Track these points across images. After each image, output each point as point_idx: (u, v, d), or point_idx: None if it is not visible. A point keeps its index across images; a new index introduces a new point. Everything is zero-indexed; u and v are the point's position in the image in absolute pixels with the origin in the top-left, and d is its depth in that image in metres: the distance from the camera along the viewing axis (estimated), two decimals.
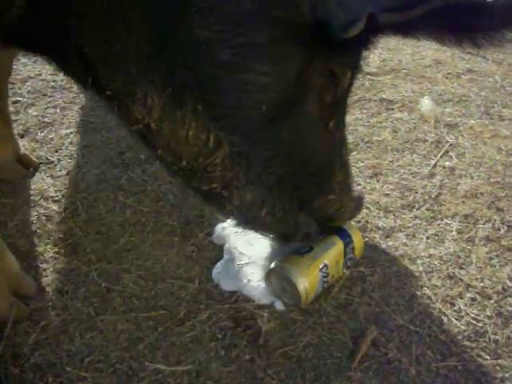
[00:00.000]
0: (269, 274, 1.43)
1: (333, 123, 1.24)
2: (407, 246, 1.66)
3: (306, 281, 1.37)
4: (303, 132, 1.18)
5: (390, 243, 1.66)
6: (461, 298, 1.50)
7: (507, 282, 1.55)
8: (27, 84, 2.38)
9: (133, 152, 1.99)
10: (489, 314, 1.46)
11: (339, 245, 1.46)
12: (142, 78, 1.03)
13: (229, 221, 1.60)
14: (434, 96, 2.47)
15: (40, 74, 2.47)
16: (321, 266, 1.40)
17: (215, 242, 1.63)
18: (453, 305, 1.48)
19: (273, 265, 1.42)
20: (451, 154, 2.08)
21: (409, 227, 1.73)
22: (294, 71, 1.06)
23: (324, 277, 1.41)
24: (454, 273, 1.57)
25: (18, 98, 2.28)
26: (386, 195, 1.86)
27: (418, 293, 1.51)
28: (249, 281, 1.47)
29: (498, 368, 1.33)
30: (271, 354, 1.34)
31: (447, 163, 2.03)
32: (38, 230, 1.65)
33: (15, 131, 1.94)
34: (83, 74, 1.11)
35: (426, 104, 2.37)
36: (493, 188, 1.90)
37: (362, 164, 2.01)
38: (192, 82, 1.03)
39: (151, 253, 1.60)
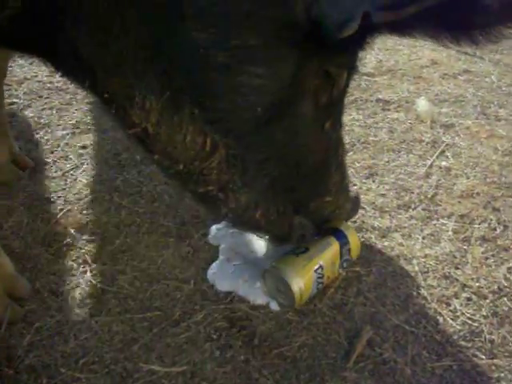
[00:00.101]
0: (264, 275, 1.43)
1: (329, 124, 1.24)
2: (403, 246, 1.66)
3: (301, 281, 1.37)
4: (298, 133, 1.18)
5: (386, 243, 1.66)
6: (456, 298, 1.50)
7: (503, 281, 1.54)
8: (23, 85, 2.38)
9: (128, 153, 1.98)
10: (484, 313, 1.46)
11: (335, 246, 1.45)
12: (139, 81, 1.03)
13: (224, 222, 1.60)
14: (431, 96, 2.48)
15: (36, 76, 2.47)
16: (316, 267, 1.40)
17: (211, 242, 1.63)
18: (448, 305, 1.48)
19: (268, 265, 1.42)
20: (447, 154, 2.08)
21: (405, 227, 1.73)
22: (289, 73, 1.06)
23: (319, 278, 1.41)
24: (449, 273, 1.57)
25: (14, 100, 2.28)
26: (382, 195, 1.86)
27: (414, 293, 1.51)
28: (244, 281, 1.47)
29: (493, 368, 1.33)
30: (266, 355, 1.33)
31: (443, 163, 2.03)
32: (33, 232, 1.65)
33: (11, 132, 1.94)
34: (80, 75, 1.11)
35: (422, 104, 2.37)
36: (489, 188, 1.90)
37: (358, 164, 2.01)
38: (188, 86, 1.03)
39: (146, 254, 1.59)
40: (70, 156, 1.99)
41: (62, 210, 1.74)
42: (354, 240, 1.50)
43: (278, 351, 1.34)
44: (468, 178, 1.95)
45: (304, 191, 1.31)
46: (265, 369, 1.30)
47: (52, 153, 2.01)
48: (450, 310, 1.46)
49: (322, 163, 1.30)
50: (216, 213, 1.33)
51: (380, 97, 2.45)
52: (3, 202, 1.74)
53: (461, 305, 1.48)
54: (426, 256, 1.62)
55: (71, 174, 1.90)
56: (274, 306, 1.43)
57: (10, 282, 1.42)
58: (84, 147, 2.04)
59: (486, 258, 1.62)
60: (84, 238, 1.64)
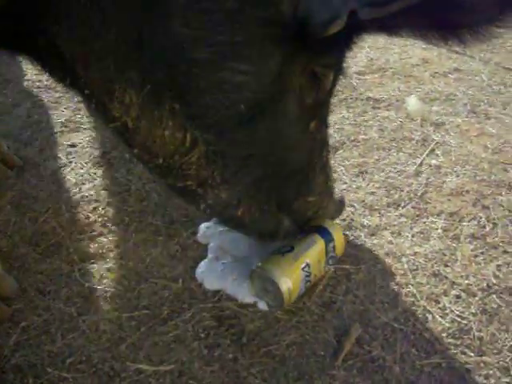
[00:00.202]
0: (251, 276, 1.41)
1: (314, 125, 1.23)
2: (392, 243, 1.65)
3: (289, 281, 1.36)
4: (282, 132, 1.17)
5: (375, 241, 1.66)
6: (445, 296, 1.50)
7: (492, 279, 1.54)
8: (12, 84, 2.37)
9: (117, 151, 1.97)
10: (473, 311, 1.45)
11: (320, 243, 1.44)
12: (120, 77, 1.03)
13: (213, 220, 1.60)
14: (421, 95, 2.47)
15: (25, 74, 2.45)
16: (303, 266, 1.39)
17: (200, 241, 1.62)
18: (437, 302, 1.48)
19: (254, 266, 1.41)
20: (437, 152, 2.08)
21: (394, 225, 1.72)
22: (274, 70, 1.05)
23: (307, 276, 1.40)
24: (438, 270, 1.57)
25: (3, 99, 2.27)
26: (372, 193, 1.85)
27: (403, 291, 1.50)
28: (233, 280, 1.46)
29: (482, 365, 1.33)
30: (254, 353, 1.33)
31: (433, 161, 2.02)
32: (21, 231, 1.64)
33: None
34: (62, 72, 1.10)
35: (412, 103, 2.36)
36: (478, 186, 1.90)
37: (348, 162, 2.00)
38: (169, 81, 1.02)
39: (135, 252, 1.59)
40: (59, 155, 1.98)
41: (49, 208, 1.73)
42: (338, 237, 1.49)
43: (266, 349, 1.34)
44: (458, 175, 1.95)
45: (286, 190, 1.30)
46: (253, 367, 1.30)
47: (41, 151, 2.00)
48: (439, 308, 1.46)
49: (305, 163, 1.29)
50: (195, 208, 1.32)
51: (370, 95, 2.44)
52: None
53: (450, 302, 1.48)
54: (415, 254, 1.62)
55: (60, 173, 1.89)
56: (263, 306, 1.42)
57: None
58: (73, 146, 2.03)
59: (475, 256, 1.62)
60: (72, 237, 1.63)
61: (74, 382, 1.25)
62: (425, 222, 1.74)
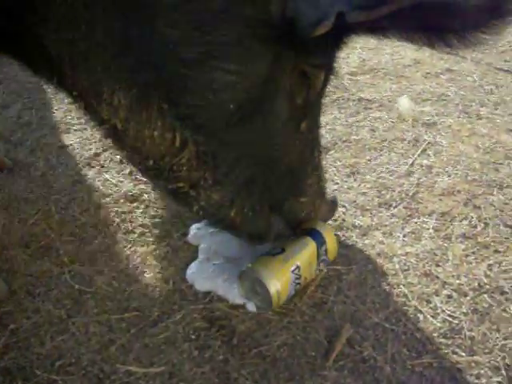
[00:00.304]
0: (240, 277, 1.41)
1: (305, 125, 1.23)
2: (384, 244, 1.65)
3: (278, 283, 1.35)
4: (271, 133, 1.17)
5: (367, 241, 1.65)
6: (437, 296, 1.49)
7: (483, 278, 1.54)
8: (2, 85, 2.36)
9: (108, 153, 1.97)
10: (465, 310, 1.45)
11: (312, 246, 1.43)
12: (108, 78, 1.02)
13: (204, 221, 1.59)
14: (413, 95, 2.47)
15: (16, 75, 2.44)
16: (293, 268, 1.38)
17: (190, 242, 1.61)
18: (429, 302, 1.48)
19: (244, 267, 1.40)
20: (429, 152, 2.08)
21: (386, 225, 1.72)
22: (263, 71, 1.05)
23: (297, 278, 1.39)
24: (430, 270, 1.56)
25: None
26: (363, 194, 1.85)
27: (394, 291, 1.50)
28: (223, 281, 1.45)
29: (473, 365, 1.33)
30: (245, 354, 1.32)
31: (425, 161, 2.02)
32: (10, 232, 1.63)
33: None
34: (49, 73, 1.10)
35: (404, 103, 2.37)
36: (470, 186, 1.90)
37: (339, 163, 2.00)
38: (157, 81, 1.01)
39: (125, 254, 1.58)
40: (49, 156, 1.97)
41: (39, 210, 1.72)
42: (331, 240, 1.48)
43: (257, 350, 1.33)
44: (449, 176, 1.95)
45: (278, 191, 1.29)
46: (244, 368, 1.29)
47: (31, 153, 1.99)
48: (431, 308, 1.46)
49: (296, 164, 1.28)
50: (188, 210, 1.31)
51: (362, 96, 2.45)
52: None
53: (441, 302, 1.47)
54: (406, 254, 1.62)
55: (50, 175, 1.88)
56: (251, 307, 1.41)
57: None
58: (64, 147, 2.02)
59: (467, 256, 1.62)
60: (62, 238, 1.62)
61: None
62: (416, 222, 1.74)
